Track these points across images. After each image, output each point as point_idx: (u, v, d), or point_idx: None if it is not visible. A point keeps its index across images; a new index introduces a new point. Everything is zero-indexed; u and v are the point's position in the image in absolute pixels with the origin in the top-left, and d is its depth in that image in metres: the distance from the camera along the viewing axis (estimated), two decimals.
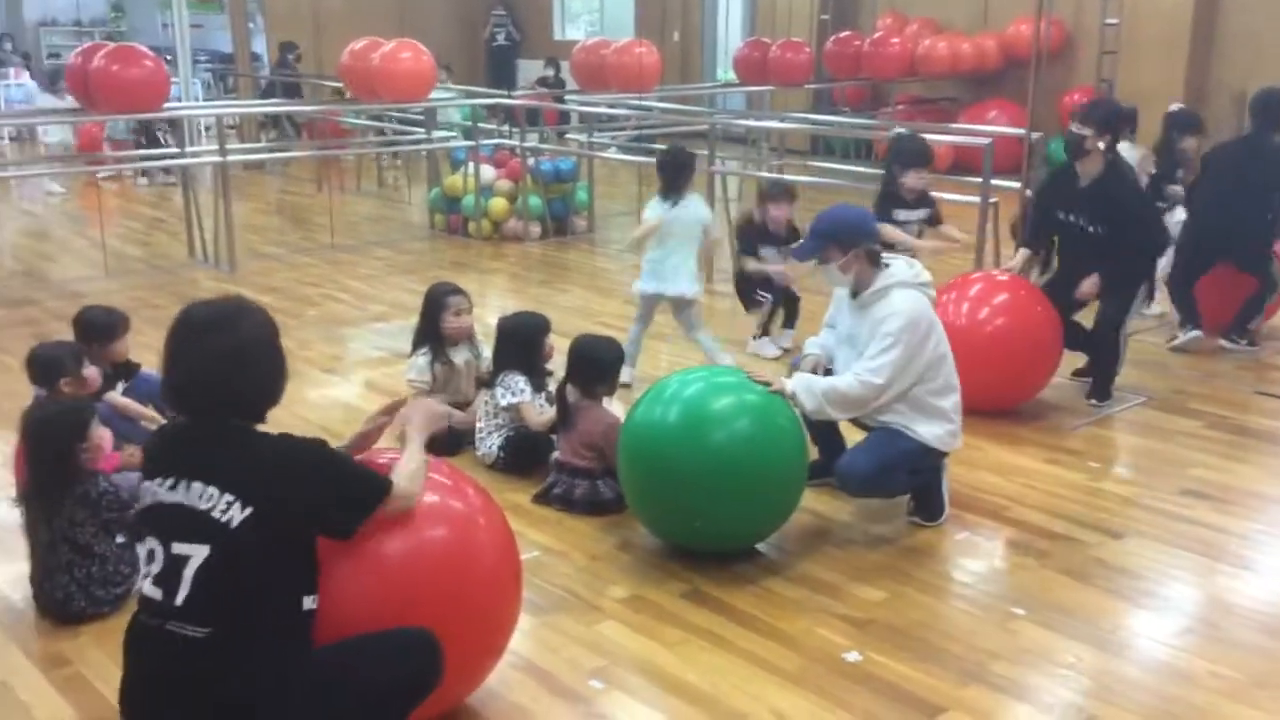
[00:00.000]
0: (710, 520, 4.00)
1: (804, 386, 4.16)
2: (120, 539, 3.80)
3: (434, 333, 5.25)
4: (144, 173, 12.26)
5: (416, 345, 5.31)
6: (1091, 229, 5.63)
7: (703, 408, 4.04)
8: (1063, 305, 5.66)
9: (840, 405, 4.21)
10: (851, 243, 4.27)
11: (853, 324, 4.37)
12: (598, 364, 4.70)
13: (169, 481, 2.65)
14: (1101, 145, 5.56)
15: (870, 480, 4.29)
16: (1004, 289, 5.65)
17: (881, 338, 4.17)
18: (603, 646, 3.60)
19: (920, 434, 4.28)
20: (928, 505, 4.45)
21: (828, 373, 4.43)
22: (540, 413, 4.91)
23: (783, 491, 4.14)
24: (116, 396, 4.82)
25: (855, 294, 4.35)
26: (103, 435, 4.02)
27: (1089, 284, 5.64)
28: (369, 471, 2.87)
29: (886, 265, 4.33)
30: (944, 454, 4.42)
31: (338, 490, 2.74)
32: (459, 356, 5.31)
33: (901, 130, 6.85)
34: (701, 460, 3.93)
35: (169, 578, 2.60)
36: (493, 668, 3.25)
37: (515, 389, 4.92)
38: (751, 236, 6.73)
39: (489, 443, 4.95)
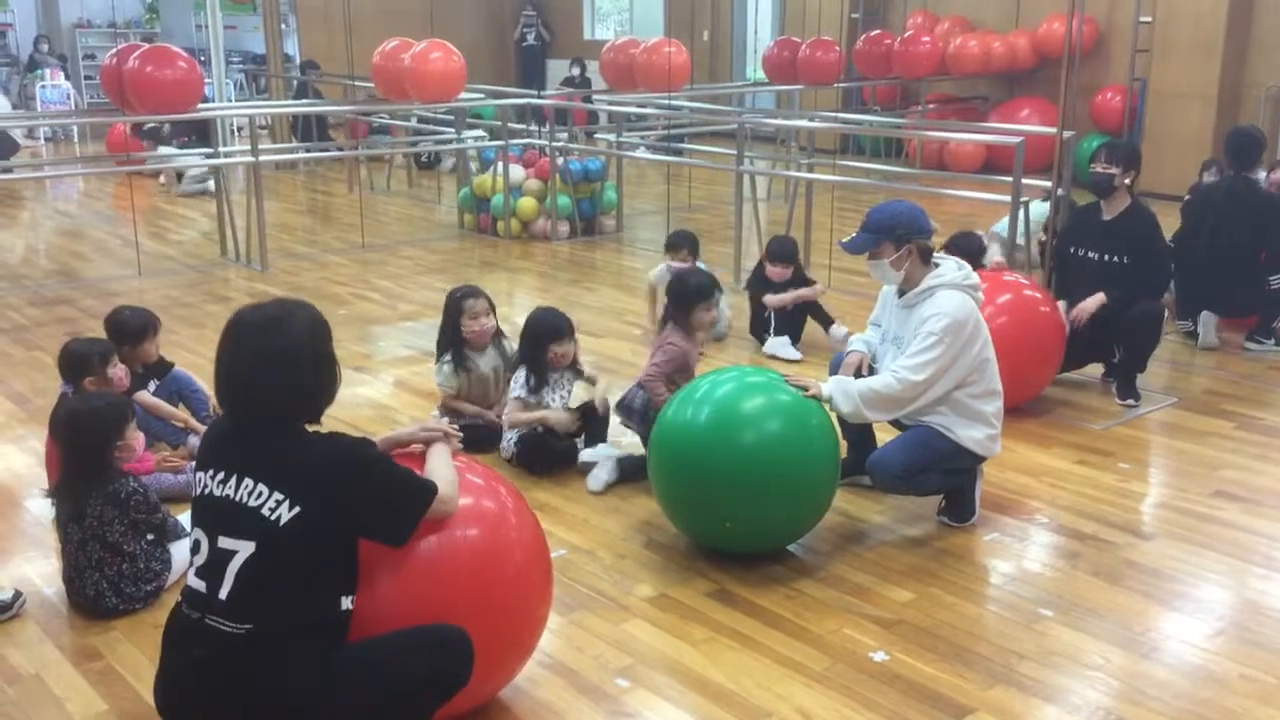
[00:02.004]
0: (742, 522, 3.99)
1: (839, 390, 4.13)
2: (150, 536, 3.83)
3: (455, 338, 5.23)
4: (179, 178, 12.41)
5: (440, 352, 5.29)
6: (1115, 259, 5.75)
7: (734, 408, 4.03)
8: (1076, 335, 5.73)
9: (878, 406, 4.17)
10: (906, 238, 4.24)
11: (898, 323, 4.34)
12: (684, 291, 4.94)
13: (220, 475, 2.70)
14: (1128, 181, 5.78)
15: (902, 478, 4.27)
16: (1008, 288, 5.63)
17: (924, 336, 4.14)
18: (629, 645, 3.61)
19: (959, 436, 4.26)
20: (958, 506, 4.43)
21: (871, 371, 4.41)
22: (521, 409, 4.93)
23: (814, 493, 4.12)
24: (146, 396, 4.87)
25: (902, 292, 4.33)
26: (138, 437, 4.05)
27: (1092, 302, 5.66)
28: (415, 475, 2.89)
29: (936, 265, 4.31)
30: (981, 458, 4.40)
31: (386, 493, 2.78)
32: (485, 364, 5.26)
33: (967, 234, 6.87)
34: (733, 461, 3.92)
35: (213, 572, 2.65)
36: (523, 665, 3.27)
37: (516, 385, 4.97)
38: (758, 282, 6.96)
39: (508, 436, 4.98)
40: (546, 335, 4.99)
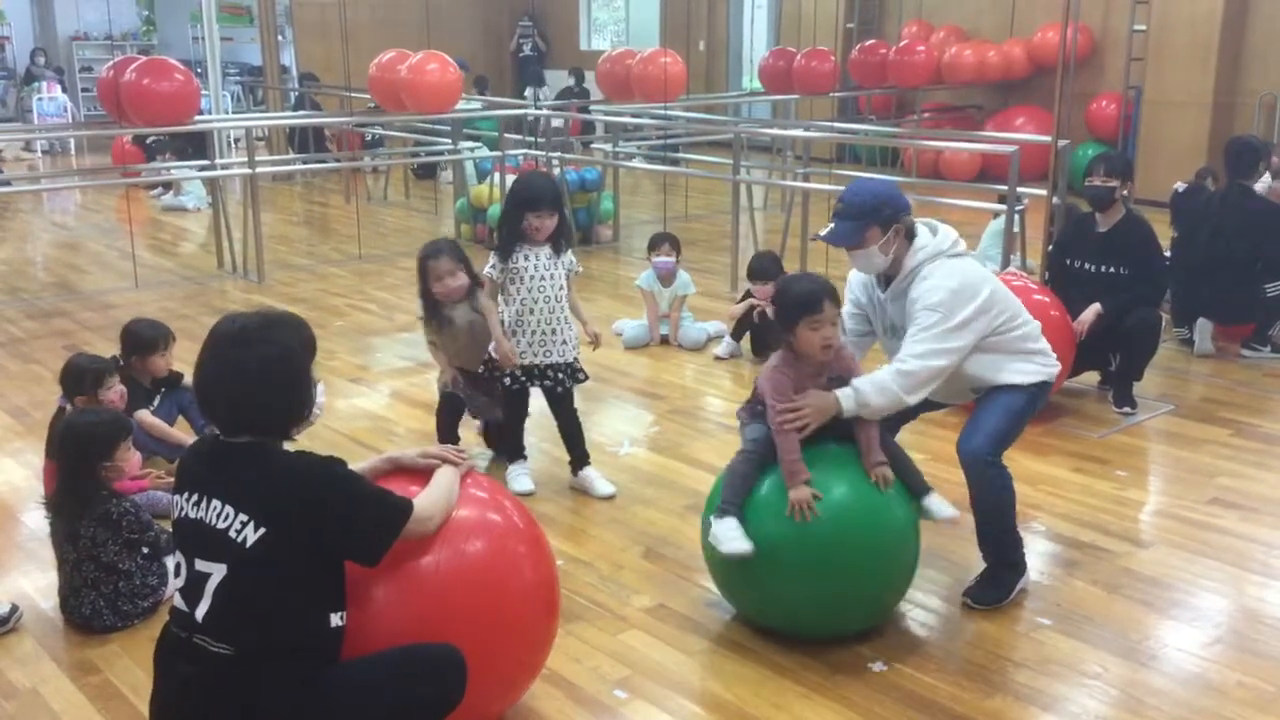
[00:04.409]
0: (809, 615, 3.66)
1: (872, 387, 3.62)
2: (145, 550, 3.82)
3: (427, 296, 5.01)
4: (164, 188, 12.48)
5: (422, 314, 5.11)
6: (1112, 270, 5.80)
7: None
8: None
9: (919, 387, 3.71)
10: (893, 218, 3.78)
11: (892, 314, 3.94)
12: (786, 304, 3.72)
13: (193, 497, 2.68)
14: (1126, 193, 5.85)
15: (992, 460, 3.88)
16: (1016, 293, 5.58)
17: (925, 314, 3.71)
18: (627, 656, 3.61)
19: (1027, 377, 3.90)
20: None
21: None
22: (492, 290, 4.89)
23: (887, 592, 3.75)
24: (145, 415, 4.86)
25: (887, 280, 3.89)
26: (131, 457, 4.01)
27: (1090, 313, 5.67)
28: (388, 494, 2.81)
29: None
30: (1048, 384, 3.98)
31: (355, 512, 2.70)
32: (461, 316, 4.98)
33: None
34: (803, 554, 3.51)
35: (192, 592, 2.63)
36: (530, 684, 3.23)
37: (488, 266, 4.92)
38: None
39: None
40: (524, 203, 4.74)
